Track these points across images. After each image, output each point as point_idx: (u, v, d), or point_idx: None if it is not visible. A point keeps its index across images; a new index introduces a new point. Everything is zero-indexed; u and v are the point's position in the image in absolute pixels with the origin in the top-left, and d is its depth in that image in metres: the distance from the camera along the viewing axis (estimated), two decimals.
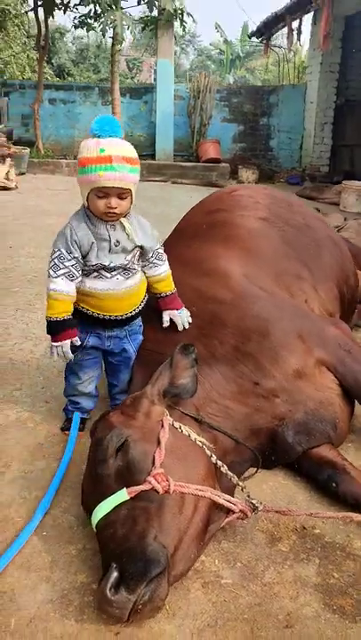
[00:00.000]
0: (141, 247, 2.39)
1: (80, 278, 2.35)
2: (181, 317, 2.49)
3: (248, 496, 1.97)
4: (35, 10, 12.37)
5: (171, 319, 2.51)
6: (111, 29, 11.31)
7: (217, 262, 2.81)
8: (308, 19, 12.23)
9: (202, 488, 1.82)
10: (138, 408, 2.04)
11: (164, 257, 2.54)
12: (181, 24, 12.21)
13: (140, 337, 2.58)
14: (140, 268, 2.46)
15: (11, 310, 4.06)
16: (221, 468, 2.01)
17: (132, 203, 2.31)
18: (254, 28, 12.94)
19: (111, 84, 12.15)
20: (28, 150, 11.40)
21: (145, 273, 2.50)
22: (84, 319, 2.43)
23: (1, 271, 4.97)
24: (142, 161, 11.57)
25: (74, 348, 2.43)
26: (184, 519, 1.73)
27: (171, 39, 12.42)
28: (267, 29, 12.61)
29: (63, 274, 2.30)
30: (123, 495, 1.72)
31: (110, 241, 2.29)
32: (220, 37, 29.66)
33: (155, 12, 12.27)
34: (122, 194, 2.22)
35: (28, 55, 23.52)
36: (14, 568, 1.82)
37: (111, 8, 10.82)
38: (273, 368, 2.39)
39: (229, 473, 2.01)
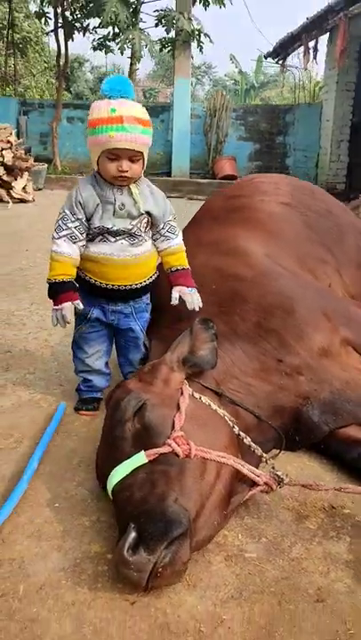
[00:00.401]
0: (150, 215, 2.30)
1: (83, 242, 2.28)
2: (192, 296, 2.33)
3: (273, 468, 1.85)
4: (55, 31, 12.64)
5: (181, 298, 2.35)
6: (129, 49, 11.52)
7: (237, 242, 2.73)
8: (323, 40, 12.37)
9: (224, 455, 1.71)
10: (156, 375, 1.95)
11: (177, 230, 2.43)
12: (198, 44, 12.40)
13: (147, 315, 2.49)
14: (148, 239, 2.36)
15: (26, 304, 4.00)
16: (244, 440, 1.89)
17: (143, 167, 2.24)
18: (270, 49, 13.04)
19: None
20: (45, 166, 11.51)
21: (157, 247, 2.40)
22: (87, 290, 2.36)
23: (17, 270, 4.95)
24: (158, 178, 11.74)
25: (81, 322, 2.40)
26: (206, 485, 1.62)
27: (188, 59, 12.59)
28: (283, 50, 12.75)
29: (65, 235, 2.25)
30: (141, 458, 1.62)
31: (115, 204, 2.22)
32: (234, 68, 30.14)
33: (172, 34, 12.49)
34: (133, 156, 2.15)
35: (47, 80, 24.06)
36: (24, 537, 1.71)
37: (129, 28, 11.01)
38: (297, 345, 2.28)
39: (253, 445, 1.90)
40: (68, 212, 2.25)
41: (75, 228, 2.25)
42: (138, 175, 2.24)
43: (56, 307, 2.25)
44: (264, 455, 1.90)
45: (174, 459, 1.62)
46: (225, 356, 2.19)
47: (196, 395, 1.92)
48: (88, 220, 2.26)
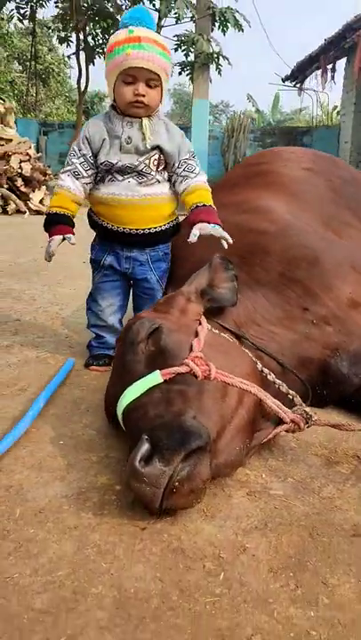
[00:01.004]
0: (161, 151, 2.17)
1: (87, 179, 2.19)
2: (215, 230, 2.11)
3: (301, 405, 1.67)
4: (77, 54, 12.90)
5: (202, 236, 2.12)
6: None
7: (258, 202, 2.59)
8: (341, 63, 12.48)
9: (248, 382, 1.53)
10: (172, 304, 1.80)
11: (197, 170, 2.24)
12: (217, 67, 12.55)
13: (165, 266, 2.35)
14: (163, 180, 2.22)
15: (38, 285, 3.88)
16: (268, 376, 1.72)
17: (162, 98, 2.13)
18: (288, 73, 13.18)
19: None
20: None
21: (177, 191, 2.25)
22: (102, 236, 2.26)
23: (31, 261, 4.85)
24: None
25: (95, 270, 2.31)
26: (227, 408, 1.45)
27: (206, 80, 12.73)
28: (300, 73, 12.87)
29: (69, 170, 2.18)
30: (156, 377, 1.45)
31: (122, 137, 2.11)
32: (251, 107, 30.60)
33: (191, 57, 12.68)
34: (151, 80, 2.05)
35: (67, 109, 24.59)
36: (24, 467, 1.54)
37: None
38: (324, 294, 2.12)
39: (277, 381, 1.73)
40: (75, 148, 2.18)
41: (79, 164, 2.17)
42: (155, 105, 2.12)
43: (48, 240, 2.17)
44: (290, 392, 1.72)
45: (192, 379, 1.45)
46: (246, 301, 2.04)
47: (215, 331, 1.76)
48: (95, 156, 2.16)
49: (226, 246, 2.13)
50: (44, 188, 9.83)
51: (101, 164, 2.14)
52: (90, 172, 2.18)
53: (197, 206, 2.17)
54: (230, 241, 2.15)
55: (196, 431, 1.28)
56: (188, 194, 2.21)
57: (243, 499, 1.44)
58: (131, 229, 2.20)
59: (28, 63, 20.97)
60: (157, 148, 2.16)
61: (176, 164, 2.20)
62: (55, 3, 12.65)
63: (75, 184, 2.17)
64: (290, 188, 2.76)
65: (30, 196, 9.27)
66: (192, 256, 2.34)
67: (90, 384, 2.15)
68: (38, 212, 9.41)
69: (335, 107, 14.74)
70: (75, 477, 1.50)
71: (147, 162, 2.15)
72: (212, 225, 2.11)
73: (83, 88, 13.31)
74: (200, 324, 1.71)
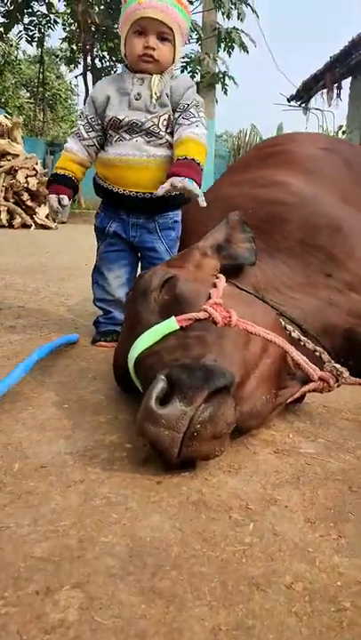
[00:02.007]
0: (168, 98, 2.03)
1: (90, 141, 2.11)
2: (187, 185, 1.89)
3: (329, 361, 1.52)
4: (84, 75, 13.05)
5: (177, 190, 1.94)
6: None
7: (275, 177, 2.48)
8: (346, 82, 12.54)
9: (272, 333, 1.38)
10: (187, 259, 1.67)
11: (194, 119, 2.05)
12: (223, 87, 12.66)
13: (174, 234, 2.22)
14: (172, 141, 2.08)
15: (42, 281, 3.77)
16: (292, 334, 1.57)
17: (175, 56, 2.02)
18: (293, 92, 13.24)
19: None
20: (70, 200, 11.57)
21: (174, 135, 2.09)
22: (107, 201, 2.17)
23: (36, 263, 4.76)
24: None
25: (100, 238, 2.25)
26: (250, 355, 1.30)
27: (212, 100, 12.84)
28: (306, 92, 12.94)
29: (73, 132, 2.16)
30: (171, 324, 1.30)
31: (131, 93, 2.00)
32: (254, 136, 30.99)
33: (197, 78, 12.80)
34: (163, 33, 1.95)
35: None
36: (25, 427, 1.39)
37: None
38: (348, 260, 1.99)
39: (303, 338, 1.58)
40: (81, 111, 2.15)
41: (82, 125, 2.11)
42: (166, 61, 2.01)
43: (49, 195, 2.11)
44: (317, 349, 1.57)
45: (212, 326, 1.30)
46: (265, 267, 1.91)
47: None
48: (101, 115, 2.07)
49: (202, 205, 2.00)
50: None
51: (109, 120, 2.04)
52: (92, 134, 2.10)
53: (178, 159, 1.97)
54: (204, 204, 2.01)
55: (219, 370, 1.13)
56: (177, 145, 2.02)
57: (270, 456, 1.28)
58: (138, 192, 2.08)
59: (35, 89, 21.33)
60: (167, 106, 2.04)
61: (176, 109, 2.05)
62: (63, 25, 12.86)
63: (78, 145, 2.11)
64: (306, 165, 2.64)
65: (36, 210, 9.26)
66: (205, 227, 2.21)
67: (97, 357, 2.01)
68: (44, 227, 9.40)
69: (340, 126, 14.80)
70: (81, 436, 1.35)
71: (155, 120, 2.03)
72: (186, 179, 1.89)
73: None
74: (217, 278, 1.57)
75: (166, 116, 2.05)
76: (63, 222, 10.25)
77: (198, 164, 1.95)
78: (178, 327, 1.30)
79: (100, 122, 2.08)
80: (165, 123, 2.05)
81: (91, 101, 2.09)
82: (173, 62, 2.05)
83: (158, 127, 2.04)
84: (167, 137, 2.08)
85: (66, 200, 2.07)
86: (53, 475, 1.15)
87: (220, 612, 0.77)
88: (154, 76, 2.01)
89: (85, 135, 2.09)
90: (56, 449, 1.27)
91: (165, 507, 1.04)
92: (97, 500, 1.06)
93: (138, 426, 1.11)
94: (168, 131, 2.07)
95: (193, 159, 1.95)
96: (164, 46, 1.97)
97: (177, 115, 2.04)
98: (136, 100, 2.01)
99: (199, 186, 1.95)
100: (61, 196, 2.07)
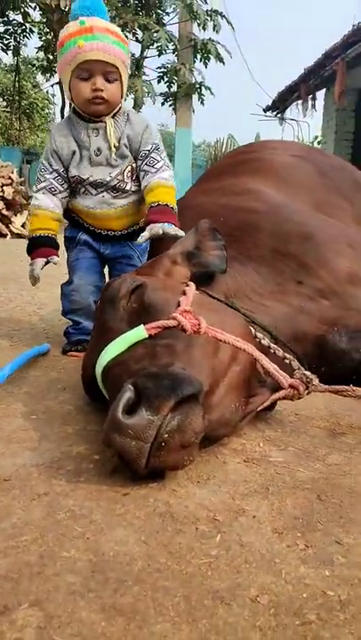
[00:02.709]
0: (128, 146, 2.04)
1: (64, 193, 2.08)
2: (167, 229, 1.94)
3: (299, 369, 1.51)
4: (60, 83, 13.01)
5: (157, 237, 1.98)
6: (132, 99, 11.80)
7: (247, 185, 2.48)
8: (321, 94, 12.70)
9: (241, 340, 1.37)
10: (157, 267, 1.65)
11: (160, 164, 2.08)
12: (200, 97, 12.73)
13: (145, 244, 2.19)
14: (137, 190, 2.11)
15: (15, 290, 3.73)
16: (262, 341, 1.57)
17: (123, 92, 1.98)
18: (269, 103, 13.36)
19: None
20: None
21: (141, 184, 2.10)
22: (75, 224, 2.17)
23: (9, 272, 4.70)
24: None
25: (69, 246, 2.20)
26: (219, 363, 1.29)
27: (189, 110, 12.91)
28: (281, 103, 13.07)
29: (44, 187, 2.06)
30: (140, 332, 1.28)
31: (90, 148, 1.99)
32: (231, 146, 31.24)
33: (174, 88, 12.86)
34: (109, 73, 1.89)
35: None
36: None
37: (133, 77, 11.33)
38: (319, 268, 1.99)
39: (273, 345, 1.57)
40: (45, 163, 2.06)
41: (53, 179, 2.05)
42: (116, 100, 1.96)
43: (31, 261, 2.07)
44: (287, 356, 1.56)
45: (180, 334, 1.29)
46: (236, 275, 1.90)
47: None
48: (67, 169, 2.04)
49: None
50: (25, 212, 9.73)
51: (72, 177, 2.04)
52: (65, 186, 2.08)
53: (152, 206, 1.99)
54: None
55: (187, 378, 1.11)
56: (147, 192, 2.03)
57: (239, 465, 1.27)
58: (109, 231, 2.13)
59: (11, 98, 21.22)
60: (127, 157, 2.04)
61: (137, 157, 2.05)
62: (39, 34, 12.84)
63: (53, 201, 2.07)
64: (279, 173, 2.66)
65: (12, 219, 9.17)
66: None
67: (67, 367, 1.98)
68: (20, 236, 9.30)
69: (316, 136, 14.98)
70: (47, 447, 1.32)
71: (120, 177, 2.05)
72: (165, 224, 1.94)
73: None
74: (187, 285, 1.55)
75: (129, 168, 2.06)
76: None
77: (172, 208, 1.98)
78: (147, 335, 1.28)
79: (67, 174, 2.06)
80: (129, 174, 2.06)
81: (55, 155, 2.04)
82: (122, 98, 2.02)
83: (124, 182, 2.05)
84: (133, 187, 2.09)
85: (56, 259, 2.06)
86: (17, 488, 1.12)
87: (182, 628, 0.75)
88: (108, 122, 1.97)
89: (60, 188, 2.07)
90: (21, 461, 1.24)
91: (131, 519, 1.02)
92: (61, 514, 1.03)
93: (104, 436, 1.09)
94: (133, 179, 2.08)
95: (166, 204, 1.98)
96: (112, 85, 1.93)
97: (140, 162, 2.04)
98: (96, 155, 2.00)
99: (177, 225, 1.97)
100: (51, 257, 2.04)
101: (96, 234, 2.16)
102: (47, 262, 2.06)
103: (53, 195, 2.07)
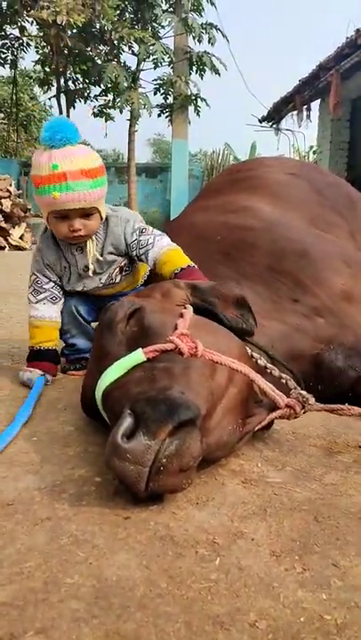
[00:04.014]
0: (126, 254, 2.10)
1: (63, 299, 2.14)
2: None
3: (295, 389, 1.54)
4: (57, 96, 13.13)
5: None
6: (128, 110, 11.90)
7: (244, 203, 2.53)
8: (315, 105, 12.81)
9: (237, 362, 1.40)
10: (155, 289, 1.68)
11: (151, 239, 2.04)
12: (195, 108, 12.84)
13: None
14: (126, 277, 2.19)
15: (15, 306, 3.76)
16: (259, 361, 1.60)
17: (101, 219, 1.98)
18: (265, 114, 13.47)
19: (128, 162, 12.59)
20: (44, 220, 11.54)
21: (148, 265, 2.11)
22: None
23: (9, 287, 4.74)
24: None
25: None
26: (217, 386, 1.31)
27: (185, 121, 13.01)
28: (277, 113, 13.18)
29: (45, 297, 2.10)
30: (138, 356, 1.31)
31: (78, 266, 2.05)
32: (228, 156, 31.37)
33: (170, 100, 12.97)
34: (86, 214, 1.89)
35: None
36: None
37: (129, 89, 11.42)
38: (315, 286, 2.03)
39: (269, 365, 1.60)
40: (41, 276, 2.09)
41: (52, 288, 2.11)
42: (94, 231, 1.97)
43: (27, 368, 2.05)
44: (283, 376, 1.59)
45: (178, 357, 1.31)
46: None
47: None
48: (60, 278, 2.12)
49: None
50: (24, 224, 9.80)
51: (67, 289, 2.13)
52: (62, 293, 2.14)
53: (176, 273, 1.95)
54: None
55: (185, 403, 1.14)
56: (160, 266, 2.00)
57: (237, 486, 1.29)
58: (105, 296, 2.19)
59: (9, 110, 21.34)
60: (115, 260, 2.10)
61: (130, 251, 2.07)
62: (36, 48, 12.96)
63: (53, 310, 2.11)
64: (275, 191, 2.70)
65: (10, 231, 9.23)
66: None
67: (67, 386, 2.01)
68: (18, 248, 9.37)
69: (311, 146, 15.10)
70: (49, 471, 1.34)
71: (110, 279, 2.12)
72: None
73: None
74: (185, 308, 1.58)
75: (118, 268, 2.11)
76: None
77: (195, 267, 1.95)
78: (145, 359, 1.31)
79: (61, 283, 2.13)
80: (118, 271, 2.13)
81: (49, 268, 2.07)
82: (102, 221, 2.01)
83: (113, 279, 2.12)
84: (122, 278, 2.17)
85: (51, 379, 2.05)
86: (20, 512, 1.14)
87: None
88: (88, 244, 2.00)
89: (59, 295, 2.12)
90: (23, 485, 1.26)
91: (133, 543, 1.05)
92: (64, 539, 1.05)
93: (105, 461, 1.12)
94: (123, 273, 2.15)
95: (189, 266, 1.95)
96: (90, 221, 1.92)
97: (134, 252, 2.05)
98: (84, 271, 2.05)
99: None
100: (49, 375, 2.04)
101: None
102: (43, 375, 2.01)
103: (54, 304, 2.10)
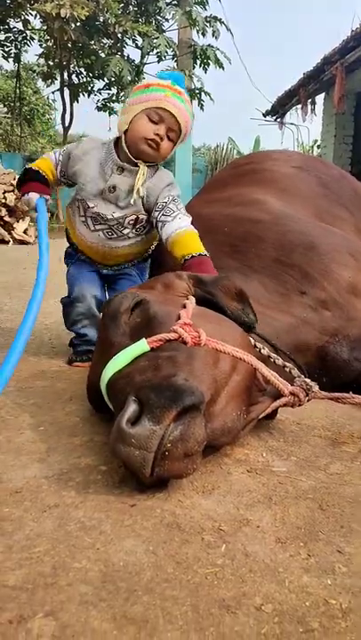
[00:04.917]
0: (147, 212, 2.11)
1: (50, 187, 2.17)
2: None
3: (299, 376, 1.55)
4: (61, 90, 13.10)
5: None
6: None
7: (251, 196, 2.53)
8: (319, 98, 12.76)
9: (241, 350, 1.40)
10: (158, 280, 1.69)
11: (175, 213, 2.07)
12: (199, 102, 12.79)
13: (145, 263, 2.33)
14: (133, 235, 2.17)
15: (20, 300, 3.76)
16: (262, 350, 1.60)
17: (170, 153, 2.09)
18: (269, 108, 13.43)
19: None
20: (48, 214, 11.54)
21: (160, 236, 2.11)
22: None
23: (14, 281, 4.75)
24: None
25: (69, 261, 2.31)
26: (220, 373, 1.32)
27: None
28: (281, 107, 13.13)
29: (57, 151, 2.21)
30: (142, 346, 1.32)
31: (107, 183, 2.05)
32: (232, 150, 31.27)
33: None
34: (171, 131, 2.00)
35: (52, 149, 24.92)
36: None
37: (134, 84, 11.39)
38: (323, 279, 2.03)
39: (273, 355, 1.61)
40: (62, 154, 2.18)
41: (58, 166, 2.17)
42: (165, 155, 2.06)
43: (25, 191, 2.11)
44: (287, 365, 1.60)
45: (181, 346, 1.32)
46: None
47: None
48: (71, 175, 2.14)
49: None
50: (27, 218, 9.79)
51: (79, 199, 2.11)
52: (56, 183, 2.20)
53: (186, 259, 1.97)
54: None
55: (188, 389, 1.15)
56: (172, 244, 2.01)
57: (243, 475, 1.30)
58: (106, 264, 2.22)
59: (12, 104, 21.31)
60: (136, 208, 2.10)
61: (154, 209, 2.10)
62: (39, 41, 12.92)
63: (56, 157, 2.18)
64: (281, 184, 2.70)
65: (14, 225, 9.23)
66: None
67: (73, 377, 2.02)
68: (22, 242, 9.37)
69: (315, 140, 15.04)
70: (56, 459, 1.35)
71: (121, 220, 2.10)
72: None
73: (67, 124, 13.48)
74: (187, 298, 1.59)
75: (134, 218, 2.10)
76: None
77: (206, 256, 1.96)
78: (148, 348, 1.32)
79: (67, 179, 2.17)
80: (131, 221, 2.11)
81: (67, 157, 2.13)
82: (165, 158, 2.09)
83: (123, 226, 2.10)
84: (130, 233, 2.15)
85: (49, 199, 2.14)
86: (28, 500, 1.16)
87: (191, 637, 0.79)
88: (141, 168, 2.03)
89: (56, 176, 2.19)
90: (31, 473, 1.27)
91: (139, 530, 1.06)
92: (71, 525, 1.07)
93: (111, 447, 1.13)
94: (135, 227, 2.13)
95: (201, 255, 1.96)
96: (168, 143, 2.03)
97: (156, 213, 2.07)
98: (110, 192, 2.05)
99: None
100: (46, 196, 2.11)
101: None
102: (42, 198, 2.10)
103: (54, 156, 2.18)
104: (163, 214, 2.06)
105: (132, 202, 2.05)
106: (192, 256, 1.96)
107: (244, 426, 1.37)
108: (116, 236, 2.12)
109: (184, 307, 1.49)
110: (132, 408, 1.12)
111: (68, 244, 2.32)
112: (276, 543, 1.02)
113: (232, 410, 1.29)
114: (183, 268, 1.96)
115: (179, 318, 1.40)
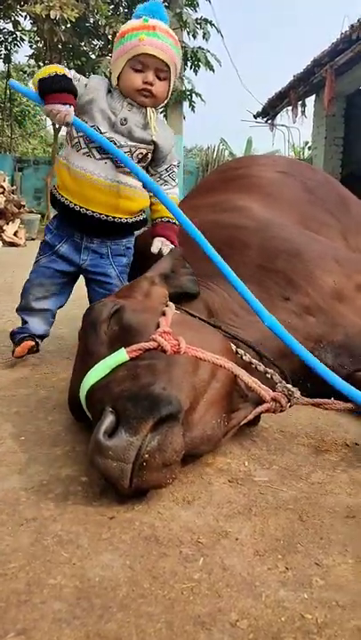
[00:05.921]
0: (155, 147, 2.08)
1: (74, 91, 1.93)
2: (162, 247, 2.09)
3: (281, 382, 1.55)
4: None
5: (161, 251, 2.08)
6: None
7: (236, 202, 2.53)
8: (310, 100, 12.80)
9: (221, 357, 1.40)
10: (135, 289, 1.69)
11: (174, 182, 2.22)
12: (190, 103, 12.80)
13: (126, 260, 2.22)
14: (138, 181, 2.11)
15: (9, 303, 3.72)
16: (243, 357, 1.60)
17: (168, 93, 2.05)
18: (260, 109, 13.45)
19: None
20: (38, 216, 11.52)
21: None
22: (61, 217, 2.14)
23: (2, 284, 4.72)
24: None
25: (45, 252, 2.23)
26: (200, 380, 1.32)
27: (180, 116, 12.96)
28: (271, 109, 13.15)
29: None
30: (121, 355, 1.31)
31: (118, 115, 2.00)
32: (223, 151, 31.26)
33: None
34: (160, 71, 1.97)
35: (43, 150, 24.83)
36: None
37: None
38: (306, 284, 2.03)
39: (254, 361, 1.61)
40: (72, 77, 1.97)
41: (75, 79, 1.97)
42: (162, 97, 2.03)
43: (51, 103, 1.84)
44: (268, 371, 1.59)
45: (161, 355, 1.32)
46: (221, 291, 1.95)
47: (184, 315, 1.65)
48: (85, 106, 2.00)
49: None
50: (18, 220, 9.76)
51: (92, 118, 2.00)
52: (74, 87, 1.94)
53: (162, 220, 2.13)
54: None
55: (166, 398, 1.15)
56: (157, 204, 2.13)
57: (224, 485, 1.30)
58: (94, 212, 2.05)
59: (3, 105, 21.24)
60: (151, 142, 2.07)
61: (164, 167, 2.15)
62: (29, 42, 12.87)
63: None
64: (266, 190, 2.70)
65: (4, 227, 9.18)
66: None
67: (57, 385, 2.00)
68: (12, 244, 9.33)
69: (306, 142, 15.09)
70: (36, 470, 1.34)
71: (133, 149, 2.04)
72: (169, 245, 2.10)
73: (58, 125, 13.42)
74: (167, 305, 1.59)
75: (143, 152, 2.07)
76: (32, 239, 10.20)
77: (174, 223, 2.13)
78: (127, 358, 1.31)
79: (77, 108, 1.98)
80: (140, 157, 2.07)
81: (83, 86, 1.98)
82: (167, 98, 2.08)
83: (132, 157, 2.04)
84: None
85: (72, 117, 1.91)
86: (5, 513, 1.15)
87: None
88: (149, 110, 2.03)
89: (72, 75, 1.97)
90: (9, 485, 1.26)
91: (117, 543, 1.05)
92: (48, 539, 1.06)
93: (89, 459, 1.13)
94: (139, 163, 2.07)
95: (168, 221, 2.13)
96: (162, 83, 2.00)
97: (161, 169, 2.14)
98: (121, 124, 2.00)
99: (175, 244, 2.12)
100: (72, 109, 1.89)
101: (79, 240, 2.13)
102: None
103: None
104: (169, 176, 2.18)
105: (148, 136, 2.04)
106: (168, 221, 2.11)
107: (224, 433, 1.37)
108: (122, 167, 2.03)
109: (163, 314, 1.48)
110: (108, 419, 1.11)
111: (47, 233, 2.24)
112: (254, 556, 1.02)
113: (212, 417, 1.28)
114: (156, 225, 2.16)
115: (158, 326, 1.39)
